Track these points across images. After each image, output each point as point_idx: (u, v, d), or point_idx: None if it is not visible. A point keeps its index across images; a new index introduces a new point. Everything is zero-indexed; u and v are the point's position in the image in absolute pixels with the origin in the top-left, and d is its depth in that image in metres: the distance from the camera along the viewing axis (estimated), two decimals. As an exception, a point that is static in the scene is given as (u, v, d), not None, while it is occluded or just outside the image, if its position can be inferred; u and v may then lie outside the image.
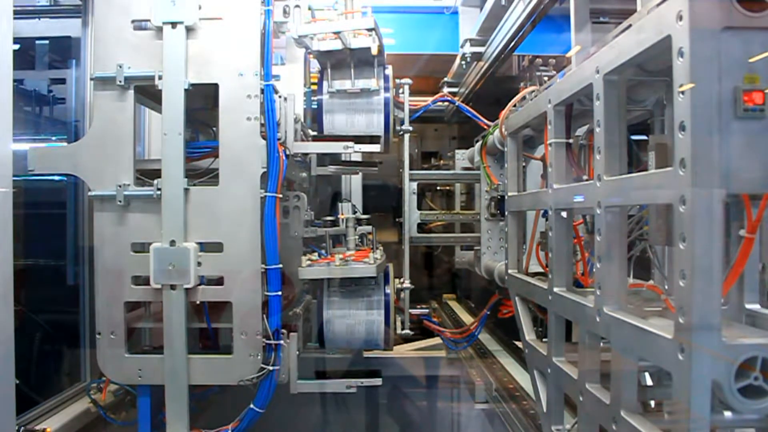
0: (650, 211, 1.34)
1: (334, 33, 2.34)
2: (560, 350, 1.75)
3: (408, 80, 2.92)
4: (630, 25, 1.24)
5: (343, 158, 3.21)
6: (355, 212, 2.83)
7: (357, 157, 3.27)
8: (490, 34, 2.92)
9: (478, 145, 3.03)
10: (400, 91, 2.94)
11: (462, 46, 3.29)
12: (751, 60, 0.99)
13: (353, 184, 3.64)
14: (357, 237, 2.74)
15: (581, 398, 1.50)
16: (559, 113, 1.71)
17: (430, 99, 3.14)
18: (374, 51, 2.40)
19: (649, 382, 1.48)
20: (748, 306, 1.23)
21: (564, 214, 1.73)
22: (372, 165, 3.28)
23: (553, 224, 1.76)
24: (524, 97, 2.26)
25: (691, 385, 0.98)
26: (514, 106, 2.36)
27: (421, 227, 3.44)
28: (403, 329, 2.96)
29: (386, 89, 2.64)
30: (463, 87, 3.81)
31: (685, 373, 1.00)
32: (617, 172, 1.35)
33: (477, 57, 3.19)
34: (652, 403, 1.47)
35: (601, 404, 1.37)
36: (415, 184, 3.27)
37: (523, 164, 2.36)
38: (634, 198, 1.29)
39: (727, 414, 1.02)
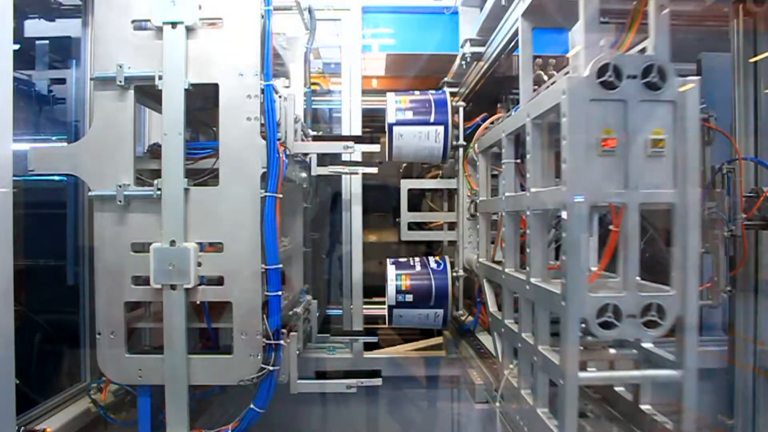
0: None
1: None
2: (510, 314, 2.26)
3: (462, 103, 3.32)
4: (553, 83, 1.84)
5: (343, 158, 3.21)
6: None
7: (357, 157, 3.27)
8: (490, 34, 2.91)
9: (461, 154, 3.35)
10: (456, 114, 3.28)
11: (462, 46, 3.28)
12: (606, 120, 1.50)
13: (353, 184, 3.64)
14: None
15: (519, 345, 2.05)
16: (510, 140, 2.23)
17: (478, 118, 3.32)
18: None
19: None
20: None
21: (514, 215, 2.22)
22: (372, 165, 3.28)
23: (506, 222, 2.27)
24: (492, 123, 2.83)
25: (568, 321, 1.52)
26: (486, 128, 2.86)
27: (421, 226, 3.61)
28: (457, 310, 3.26)
29: (445, 113, 3.12)
30: (463, 87, 3.80)
31: (566, 314, 1.53)
32: (539, 186, 1.84)
33: (477, 57, 3.18)
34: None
35: (529, 345, 1.91)
36: (405, 189, 3.58)
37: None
38: (543, 204, 1.80)
39: (591, 338, 1.59)
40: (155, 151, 2.22)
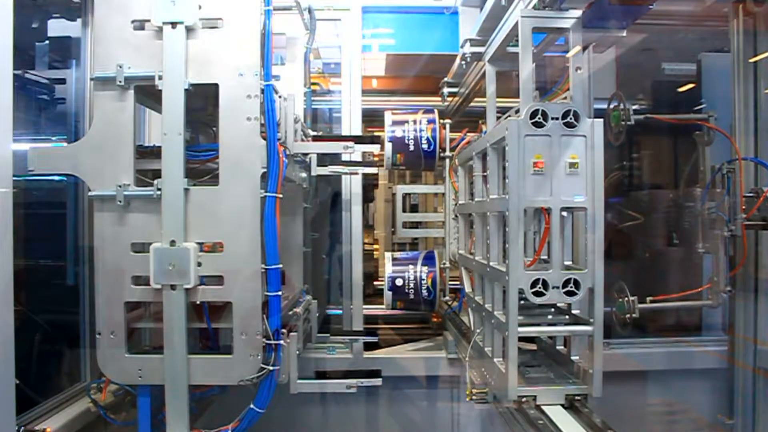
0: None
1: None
2: (479, 292, 2.70)
3: (449, 121, 3.75)
4: (516, 112, 2.30)
5: (343, 158, 3.21)
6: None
7: (357, 157, 3.27)
8: (490, 34, 2.91)
9: (448, 164, 3.74)
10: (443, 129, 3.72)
11: (462, 46, 3.29)
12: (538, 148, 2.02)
13: (353, 184, 3.64)
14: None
15: (484, 313, 2.55)
16: (479, 158, 2.73)
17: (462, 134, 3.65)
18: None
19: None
20: (566, 262, 2.19)
21: (482, 215, 2.67)
22: (372, 165, 3.28)
23: (475, 221, 2.80)
24: (470, 142, 3.34)
25: (510, 291, 2.03)
26: (467, 143, 3.37)
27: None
28: (445, 296, 3.70)
29: (434, 130, 3.64)
30: (463, 87, 3.81)
31: (508, 286, 2.04)
32: (497, 194, 2.34)
33: (477, 57, 3.18)
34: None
35: (489, 312, 2.44)
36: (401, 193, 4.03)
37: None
38: (497, 207, 2.31)
39: (525, 302, 2.07)
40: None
